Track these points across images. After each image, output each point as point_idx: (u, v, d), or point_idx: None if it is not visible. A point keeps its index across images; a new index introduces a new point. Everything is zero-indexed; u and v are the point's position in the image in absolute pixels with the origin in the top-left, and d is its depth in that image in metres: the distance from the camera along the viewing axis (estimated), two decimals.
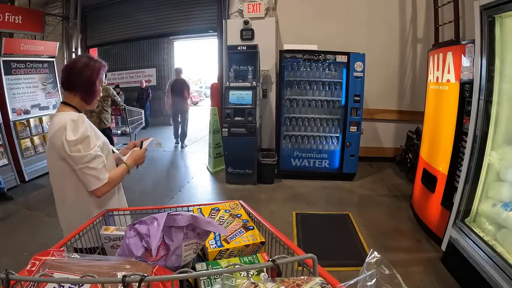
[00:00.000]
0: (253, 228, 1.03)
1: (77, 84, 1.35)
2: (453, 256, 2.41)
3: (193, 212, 1.15)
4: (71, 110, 1.35)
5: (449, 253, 2.48)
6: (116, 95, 4.93)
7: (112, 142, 5.10)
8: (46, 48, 5.14)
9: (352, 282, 0.56)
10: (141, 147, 1.57)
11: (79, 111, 1.37)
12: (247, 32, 4.96)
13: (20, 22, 4.72)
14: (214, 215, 1.12)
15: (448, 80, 2.79)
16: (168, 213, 0.83)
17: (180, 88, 6.63)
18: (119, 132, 6.33)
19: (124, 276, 0.57)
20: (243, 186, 4.40)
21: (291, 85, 4.54)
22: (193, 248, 0.86)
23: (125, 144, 6.27)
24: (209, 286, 0.68)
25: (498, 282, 1.86)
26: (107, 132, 4.82)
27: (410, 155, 4.57)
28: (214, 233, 0.99)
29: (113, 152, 1.56)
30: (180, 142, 6.95)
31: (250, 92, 4.35)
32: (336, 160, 4.60)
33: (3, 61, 4.44)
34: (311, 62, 4.45)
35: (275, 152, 4.61)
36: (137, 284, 0.57)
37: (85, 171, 1.28)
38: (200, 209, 1.17)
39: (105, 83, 8.91)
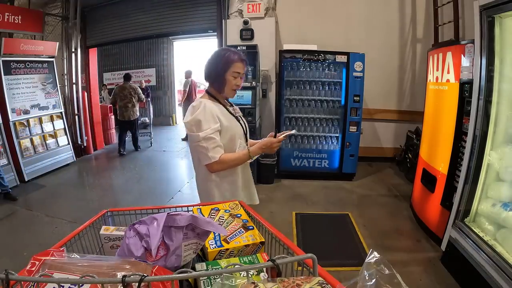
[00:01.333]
0: (253, 228, 1.03)
1: (208, 75, 1.57)
2: (452, 256, 2.41)
3: (193, 212, 1.15)
4: (206, 97, 1.57)
5: (448, 253, 2.48)
6: (141, 93, 6.36)
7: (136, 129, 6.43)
8: (46, 48, 5.13)
9: (352, 282, 0.56)
10: (274, 136, 1.62)
11: (216, 99, 1.58)
12: (247, 32, 4.95)
13: (20, 22, 4.71)
14: (214, 215, 1.12)
15: (447, 80, 2.79)
16: (167, 213, 0.83)
17: (190, 89, 7.57)
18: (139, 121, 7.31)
19: (124, 276, 0.57)
20: None
21: (290, 85, 4.54)
22: (193, 248, 0.86)
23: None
24: (209, 286, 0.68)
25: (497, 282, 1.86)
26: (136, 122, 6.38)
27: (409, 155, 4.57)
28: (214, 233, 0.99)
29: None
30: None
31: (249, 92, 4.35)
32: (335, 160, 4.60)
33: (2, 61, 4.44)
34: (310, 62, 4.45)
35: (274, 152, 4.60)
36: (136, 284, 0.57)
37: (197, 148, 1.50)
38: (200, 209, 1.17)
39: (106, 84, 9.19)
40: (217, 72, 1.52)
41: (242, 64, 1.55)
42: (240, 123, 1.64)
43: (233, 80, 1.54)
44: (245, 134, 1.66)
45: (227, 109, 1.59)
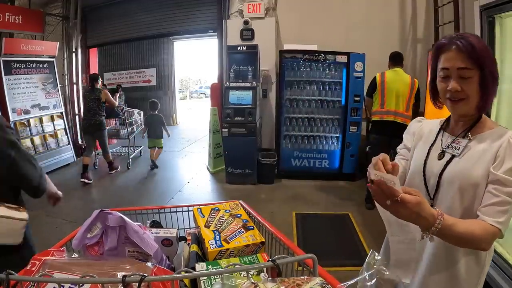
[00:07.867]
0: (253, 228, 1.03)
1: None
2: None
3: (193, 212, 1.15)
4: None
5: None
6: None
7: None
8: (46, 48, 5.14)
9: (352, 282, 0.56)
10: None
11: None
12: (247, 32, 4.96)
13: (20, 22, 4.72)
14: (214, 215, 1.12)
15: None
16: (101, 210, 0.84)
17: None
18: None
19: (124, 276, 0.57)
20: (243, 186, 4.40)
21: (291, 85, 4.54)
22: (139, 259, 0.83)
23: (124, 147, 6.28)
24: (209, 286, 0.68)
25: (498, 282, 1.86)
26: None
27: None
28: (214, 233, 0.99)
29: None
30: None
31: (250, 92, 4.35)
32: (336, 160, 4.60)
33: (3, 61, 4.45)
34: (311, 62, 4.44)
35: (275, 152, 4.61)
36: (137, 284, 0.57)
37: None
38: (200, 209, 1.16)
39: (106, 84, 9.13)
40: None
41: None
42: None
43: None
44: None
45: None
